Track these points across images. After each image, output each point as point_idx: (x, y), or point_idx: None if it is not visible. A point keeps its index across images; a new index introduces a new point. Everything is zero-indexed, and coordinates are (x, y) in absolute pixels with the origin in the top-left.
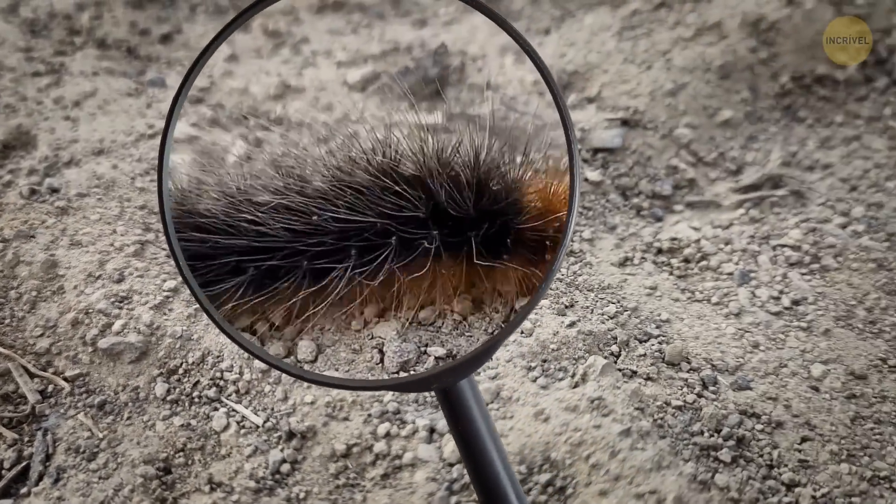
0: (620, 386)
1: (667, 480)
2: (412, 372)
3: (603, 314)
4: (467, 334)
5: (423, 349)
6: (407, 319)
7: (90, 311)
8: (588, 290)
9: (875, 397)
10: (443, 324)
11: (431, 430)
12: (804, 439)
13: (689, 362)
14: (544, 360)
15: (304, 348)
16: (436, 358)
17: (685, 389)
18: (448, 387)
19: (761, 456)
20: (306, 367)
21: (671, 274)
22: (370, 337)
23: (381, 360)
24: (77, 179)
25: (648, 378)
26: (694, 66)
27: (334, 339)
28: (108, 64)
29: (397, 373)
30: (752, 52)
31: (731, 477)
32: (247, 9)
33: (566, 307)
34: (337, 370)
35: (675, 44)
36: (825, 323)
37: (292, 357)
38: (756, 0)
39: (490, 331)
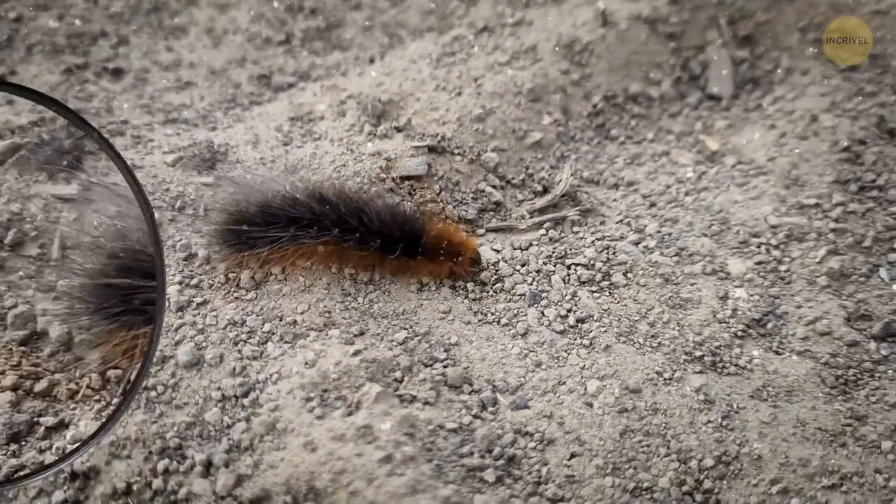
0: (392, 412)
1: None
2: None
3: (392, 341)
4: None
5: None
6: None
7: None
8: (382, 317)
9: (647, 410)
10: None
11: (209, 465)
12: (573, 455)
13: (471, 384)
14: (324, 391)
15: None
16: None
17: (463, 412)
18: None
19: (530, 473)
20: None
21: (466, 297)
22: None
23: None
24: None
25: (427, 402)
26: (504, 91)
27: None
28: None
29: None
30: (564, 73)
31: (493, 496)
32: None
33: (356, 336)
34: None
35: (488, 69)
36: (607, 339)
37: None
38: (573, 22)
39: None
